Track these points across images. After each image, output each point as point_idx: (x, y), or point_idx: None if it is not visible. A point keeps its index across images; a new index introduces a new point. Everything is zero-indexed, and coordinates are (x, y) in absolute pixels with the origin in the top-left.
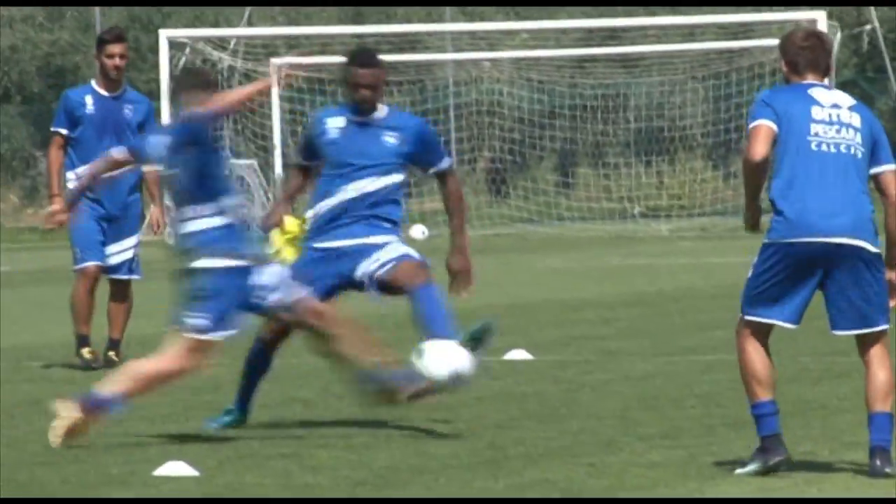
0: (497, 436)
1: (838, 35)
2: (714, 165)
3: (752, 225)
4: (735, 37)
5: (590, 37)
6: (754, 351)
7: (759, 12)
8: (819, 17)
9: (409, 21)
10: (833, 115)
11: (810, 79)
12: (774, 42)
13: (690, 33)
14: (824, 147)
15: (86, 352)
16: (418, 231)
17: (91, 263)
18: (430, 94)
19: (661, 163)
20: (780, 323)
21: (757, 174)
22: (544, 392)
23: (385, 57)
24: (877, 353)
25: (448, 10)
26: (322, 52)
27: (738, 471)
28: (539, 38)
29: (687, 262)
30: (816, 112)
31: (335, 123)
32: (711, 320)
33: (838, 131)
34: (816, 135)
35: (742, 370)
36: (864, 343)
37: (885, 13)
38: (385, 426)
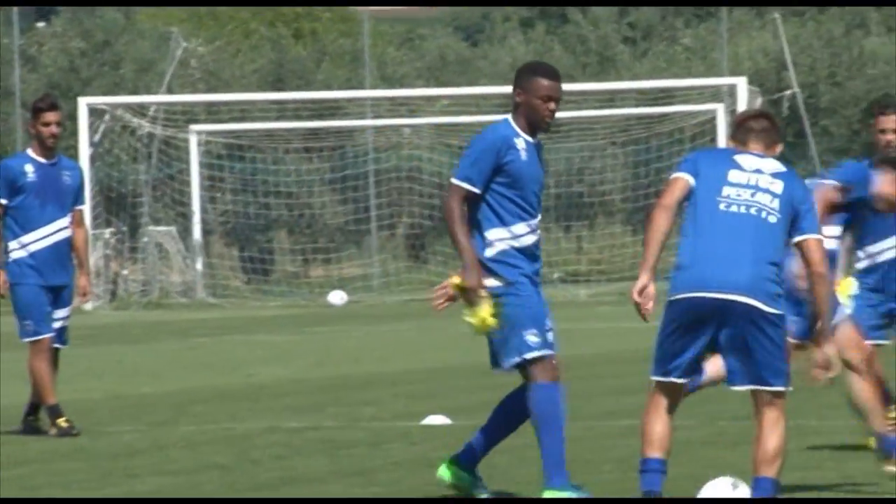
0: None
1: (759, 100)
2: (633, 230)
3: (641, 287)
4: (655, 102)
5: (509, 102)
6: (654, 411)
7: (679, 78)
8: (739, 83)
9: (329, 87)
10: (752, 179)
11: (752, 150)
12: (695, 108)
13: (611, 99)
14: (734, 208)
15: (62, 421)
16: (337, 297)
17: (46, 336)
18: (350, 160)
19: (581, 228)
20: (672, 380)
21: (657, 218)
22: None
23: (305, 124)
24: (770, 416)
25: (368, 76)
26: (242, 119)
27: None
28: (459, 104)
29: (605, 327)
30: (734, 175)
31: (520, 144)
32: (628, 385)
33: (753, 195)
34: (728, 196)
35: (641, 426)
36: (759, 403)
37: (805, 78)
38: (303, 492)
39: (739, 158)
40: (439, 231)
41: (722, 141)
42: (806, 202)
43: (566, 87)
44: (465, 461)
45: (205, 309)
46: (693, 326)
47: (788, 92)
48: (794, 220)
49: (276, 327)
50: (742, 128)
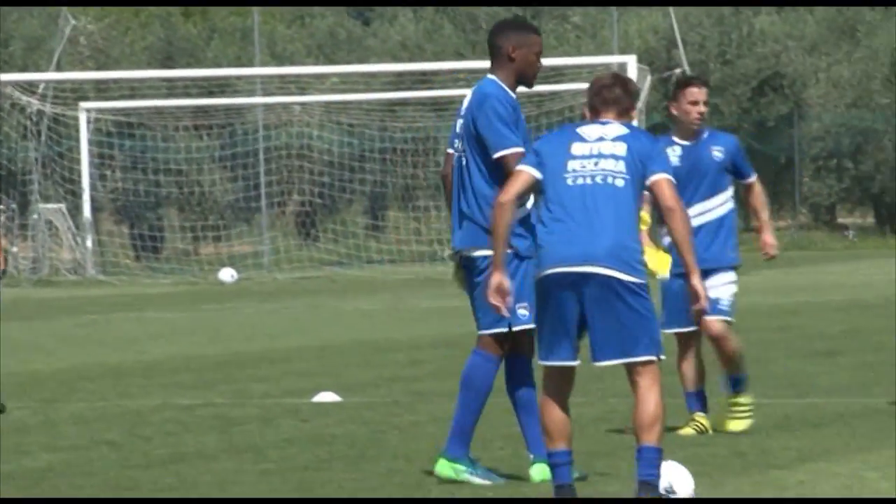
0: (305, 478)
1: (648, 78)
2: None
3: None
4: (546, 81)
5: (400, 80)
6: (546, 402)
7: (569, 56)
8: (629, 61)
9: (218, 65)
10: (595, 148)
11: (610, 118)
12: (585, 86)
13: None
14: (580, 181)
15: None
16: (227, 274)
17: None
18: (239, 138)
19: None
20: (561, 363)
21: (498, 217)
22: (353, 434)
23: (194, 101)
24: (643, 384)
25: (258, 53)
26: (131, 96)
27: None
28: (349, 82)
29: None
30: (577, 148)
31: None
32: None
33: (596, 164)
34: (573, 171)
35: (539, 416)
36: (631, 374)
37: (695, 56)
38: (193, 469)
39: (582, 130)
40: (330, 209)
41: None
42: (653, 151)
43: (454, 65)
44: (534, 449)
45: (95, 286)
46: (559, 305)
47: (678, 70)
48: (643, 170)
49: (166, 304)
50: (596, 96)
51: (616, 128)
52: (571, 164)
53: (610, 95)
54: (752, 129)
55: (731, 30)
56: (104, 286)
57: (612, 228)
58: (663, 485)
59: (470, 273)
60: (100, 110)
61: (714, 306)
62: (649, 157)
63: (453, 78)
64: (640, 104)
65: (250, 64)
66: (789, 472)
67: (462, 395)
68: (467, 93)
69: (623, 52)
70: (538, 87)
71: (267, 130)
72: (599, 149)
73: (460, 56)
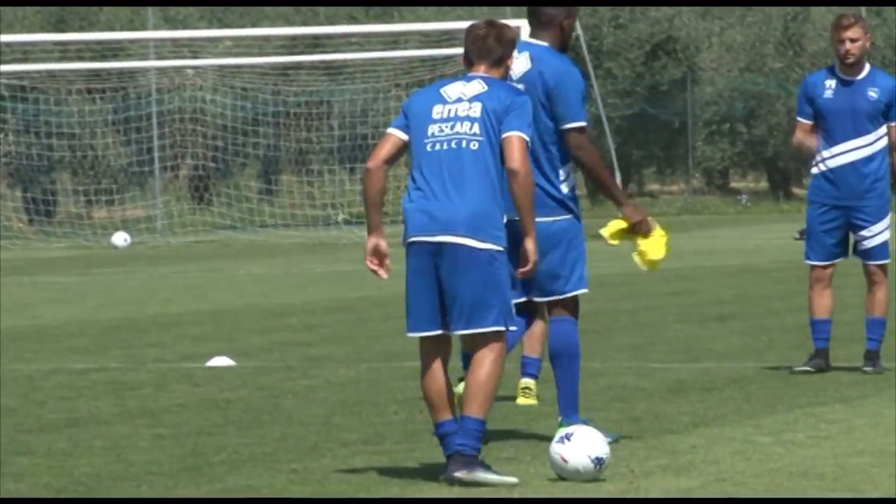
0: (199, 442)
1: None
2: None
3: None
4: (438, 45)
5: (293, 44)
6: (426, 372)
7: (462, 20)
8: (523, 25)
9: (111, 28)
10: (452, 110)
11: (481, 71)
12: None
13: (394, 41)
14: (437, 146)
15: None
16: (120, 238)
17: None
18: (132, 102)
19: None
20: (428, 333)
21: (367, 182)
22: (247, 398)
23: (87, 65)
24: (479, 355)
25: (151, 17)
26: (23, 60)
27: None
28: (242, 46)
29: (392, 268)
30: (437, 110)
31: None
32: None
33: (452, 127)
34: (432, 136)
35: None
36: (474, 345)
37: (588, 20)
38: (87, 433)
39: (445, 90)
40: (223, 173)
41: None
42: (511, 107)
43: (350, 29)
44: (566, 416)
45: None
46: (420, 274)
47: (573, 33)
48: (499, 128)
49: (60, 269)
50: (470, 46)
51: (476, 85)
52: (431, 129)
53: (482, 46)
54: (646, 93)
55: None
56: None
57: (469, 195)
58: (593, 455)
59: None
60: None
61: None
62: (505, 114)
63: (346, 42)
64: None
65: (143, 27)
66: (683, 436)
67: (559, 365)
68: (361, 56)
69: (517, 16)
70: (431, 52)
71: (160, 94)
72: (456, 110)
73: (353, 20)
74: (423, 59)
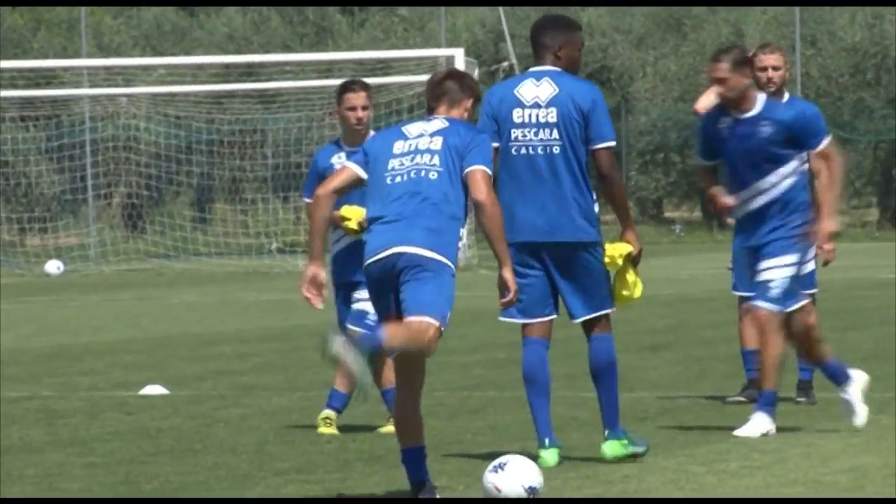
0: (132, 471)
1: (476, 72)
2: None
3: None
4: (373, 73)
5: (227, 72)
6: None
7: (397, 49)
8: (457, 54)
9: (45, 56)
10: (413, 144)
11: (441, 112)
12: (413, 79)
13: (328, 69)
14: (398, 179)
15: None
16: (53, 266)
17: None
18: (66, 130)
19: (299, 198)
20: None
21: (313, 211)
22: (180, 427)
23: (20, 93)
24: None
25: (84, 45)
26: None
27: None
28: (176, 74)
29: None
30: (398, 146)
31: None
32: None
33: (412, 159)
34: (392, 169)
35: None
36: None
37: (523, 49)
38: (19, 461)
39: (406, 128)
40: (157, 201)
41: None
42: (471, 143)
43: (283, 58)
44: (612, 429)
45: None
46: (379, 295)
47: (505, 63)
48: (460, 162)
49: None
50: (429, 93)
51: (437, 123)
52: (392, 163)
53: (440, 90)
54: None
55: None
56: None
57: (425, 217)
58: (526, 485)
59: (570, 259)
60: None
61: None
62: (466, 150)
63: (280, 70)
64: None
65: (77, 55)
66: (616, 466)
67: (604, 381)
68: (295, 84)
69: (451, 45)
70: (366, 80)
71: (93, 122)
72: (417, 144)
73: (287, 48)
74: None
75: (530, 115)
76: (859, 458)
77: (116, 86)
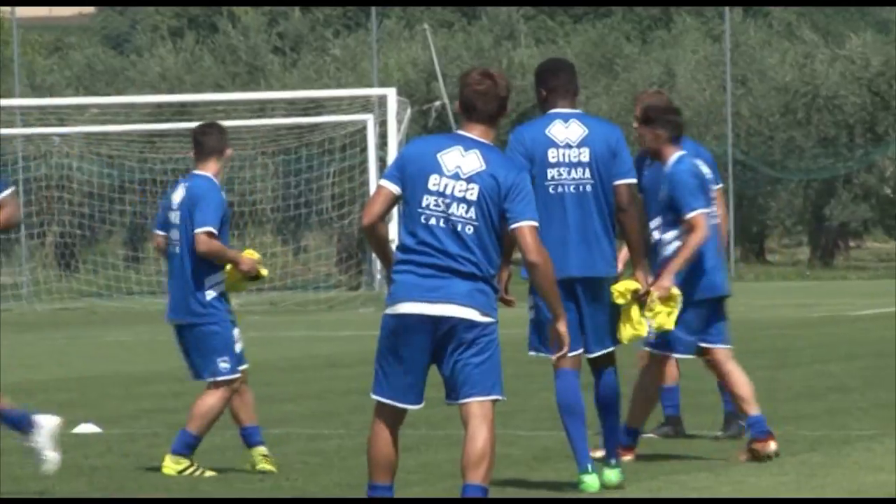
0: None
1: (408, 111)
2: (284, 240)
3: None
4: (306, 113)
5: (160, 111)
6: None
7: (329, 89)
8: (389, 94)
9: None
10: (448, 187)
11: (476, 133)
12: (345, 118)
13: (261, 109)
14: (432, 221)
15: None
16: None
17: None
18: None
19: (231, 237)
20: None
21: (370, 239)
22: (113, 465)
23: None
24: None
25: (17, 84)
26: None
27: None
28: (109, 113)
29: (256, 336)
30: (433, 181)
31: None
32: (281, 393)
33: (448, 206)
34: (427, 207)
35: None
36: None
37: (454, 89)
38: None
39: (443, 158)
40: (90, 240)
41: (373, 151)
42: (512, 189)
43: (215, 97)
44: (616, 458)
45: None
46: (410, 346)
47: (437, 103)
48: (503, 210)
49: None
50: (466, 103)
51: (473, 160)
52: (426, 200)
53: (481, 103)
54: None
55: (491, 63)
56: None
57: (464, 276)
58: None
59: (598, 294)
60: None
61: None
62: (509, 197)
63: (213, 109)
64: (400, 136)
65: (9, 95)
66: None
67: (610, 413)
68: (228, 124)
69: (383, 84)
70: (298, 119)
71: (26, 161)
72: (453, 188)
73: (220, 88)
74: (289, 127)
75: (564, 155)
76: (791, 495)
77: (49, 125)
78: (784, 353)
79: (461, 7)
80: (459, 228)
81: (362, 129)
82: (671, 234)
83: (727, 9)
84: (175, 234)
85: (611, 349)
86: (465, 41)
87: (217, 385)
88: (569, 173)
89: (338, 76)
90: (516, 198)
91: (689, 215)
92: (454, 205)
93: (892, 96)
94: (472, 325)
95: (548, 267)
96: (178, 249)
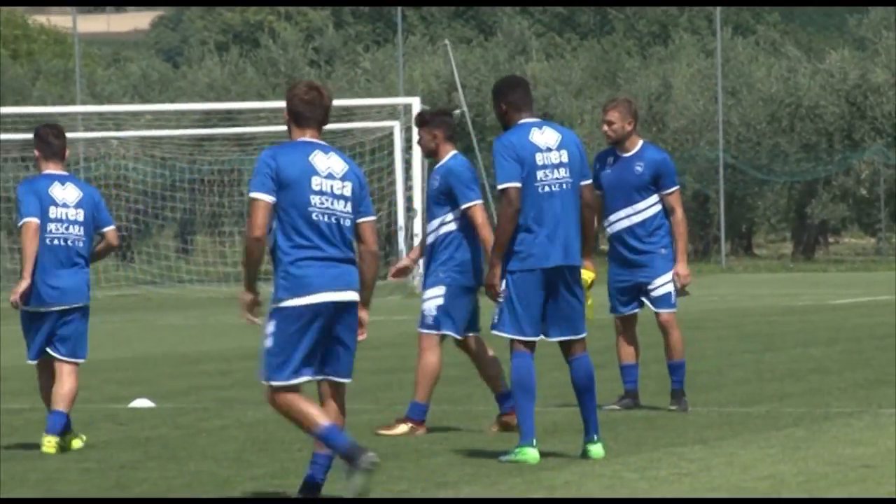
0: (123, 476)
1: None
2: None
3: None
4: (338, 120)
5: (207, 118)
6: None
7: (359, 98)
8: (414, 102)
9: (43, 103)
10: (327, 185)
11: (310, 136)
12: (374, 125)
13: None
14: (324, 218)
15: None
16: None
17: None
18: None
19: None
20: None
21: (255, 249)
22: (166, 436)
23: (21, 136)
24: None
25: (79, 93)
26: None
27: None
28: (161, 119)
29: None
30: (315, 182)
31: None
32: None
33: (332, 203)
34: (315, 205)
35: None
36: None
37: (473, 98)
38: (22, 467)
39: (314, 161)
40: (144, 233)
41: (399, 154)
42: (364, 189)
43: (256, 105)
44: (598, 434)
45: None
46: (314, 332)
47: (457, 111)
48: (356, 205)
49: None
50: (295, 112)
51: (337, 160)
52: (313, 199)
53: (308, 111)
54: None
55: (506, 75)
56: None
57: (350, 261)
58: None
59: (571, 283)
60: None
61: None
62: (361, 198)
63: (256, 116)
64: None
65: (72, 102)
66: (558, 472)
67: (589, 395)
68: (269, 129)
69: (408, 94)
70: (331, 126)
71: (87, 162)
72: (332, 187)
73: (261, 97)
74: (323, 133)
75: (548, 158)
76: (776, 466)
77: (108, 130)
78: (770, 338)
79: (479, 25)
80: (342, 222)
81: (389, 135)
82: (436, 221)
83: (719, 27)
84: None
85: (583, 335)
86: (482, 55)
87: None
88: (553, 174)
89: (367, 86)
90: (366, 195)
91: (466, 205)
92: (335, 202)
93: (867, 106)
94: (355, 306)
95: (378, 260)
96: None
